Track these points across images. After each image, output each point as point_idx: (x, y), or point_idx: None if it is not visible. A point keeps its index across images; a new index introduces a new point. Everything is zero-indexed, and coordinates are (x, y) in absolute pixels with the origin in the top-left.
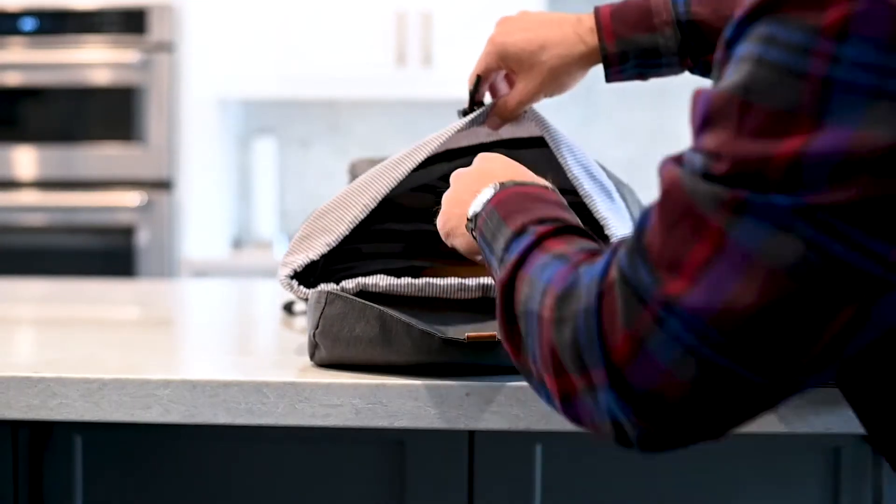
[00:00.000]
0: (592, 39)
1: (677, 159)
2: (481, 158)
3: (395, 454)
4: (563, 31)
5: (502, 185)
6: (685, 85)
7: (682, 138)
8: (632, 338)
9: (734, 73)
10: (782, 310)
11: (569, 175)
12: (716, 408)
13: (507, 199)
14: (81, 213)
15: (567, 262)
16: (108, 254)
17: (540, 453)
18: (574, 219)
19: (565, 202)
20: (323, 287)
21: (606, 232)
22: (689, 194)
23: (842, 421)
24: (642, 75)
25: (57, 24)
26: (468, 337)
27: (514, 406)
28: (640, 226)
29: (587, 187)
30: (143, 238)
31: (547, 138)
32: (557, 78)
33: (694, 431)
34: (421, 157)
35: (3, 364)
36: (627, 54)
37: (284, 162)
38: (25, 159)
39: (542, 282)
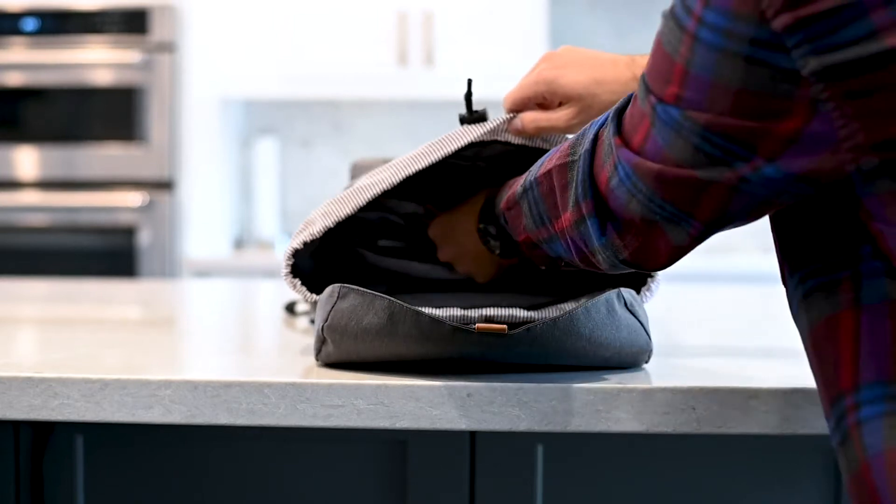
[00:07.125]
0: None
1: None
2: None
3: (397, 455)
4: (616, 70)
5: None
6: None
7: None
8: (607, 174)
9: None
10: (675, 180)
11: None
12: (654, 236)
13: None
14: (83, 213)
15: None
16: (109, 254)
17: (541, 454)
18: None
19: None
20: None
21: None
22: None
23: None
24: None
25: (58, 25)
26: (478, 327)
27: (515, 407)
28: (631, 96)
29: None
30: (144, 238)
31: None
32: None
33: (649, 255)
34: (424, 164)
35: (5, 364)
36: None
37: (286, 162)
38: (27, 159)
39: (543, 159)
